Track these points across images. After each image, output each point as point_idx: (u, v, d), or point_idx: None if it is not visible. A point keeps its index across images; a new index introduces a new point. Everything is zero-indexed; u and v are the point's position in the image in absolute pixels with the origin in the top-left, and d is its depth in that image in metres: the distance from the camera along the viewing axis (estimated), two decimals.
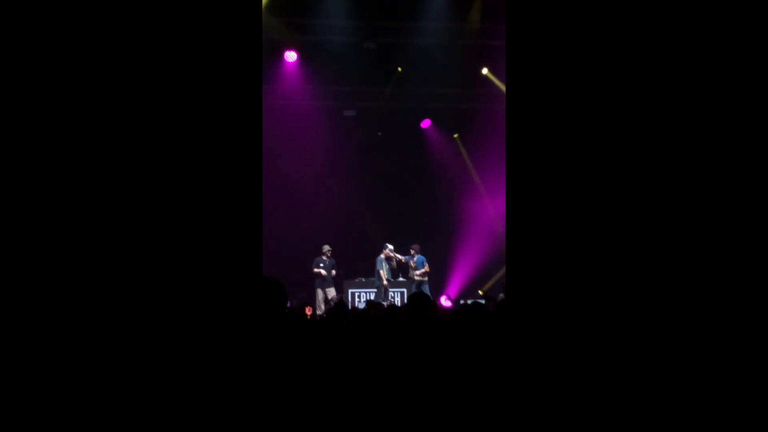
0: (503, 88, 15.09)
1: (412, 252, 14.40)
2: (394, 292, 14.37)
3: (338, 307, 6.08)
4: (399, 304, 12.43)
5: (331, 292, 13.59)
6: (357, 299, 14.38)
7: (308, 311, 10.58)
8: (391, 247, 14.21)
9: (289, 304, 11.38)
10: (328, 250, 13.88)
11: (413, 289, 13.79)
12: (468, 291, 15.47)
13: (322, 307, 13.07)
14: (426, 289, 14.03)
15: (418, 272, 14.18)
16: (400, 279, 14.74)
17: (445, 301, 14.20)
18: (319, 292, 13.56)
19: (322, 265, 13.76)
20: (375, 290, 14.21)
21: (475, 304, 6.42)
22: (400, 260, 14.27)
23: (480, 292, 14.54)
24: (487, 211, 16.03)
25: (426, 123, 16.61)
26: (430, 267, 14.36)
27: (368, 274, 14.89)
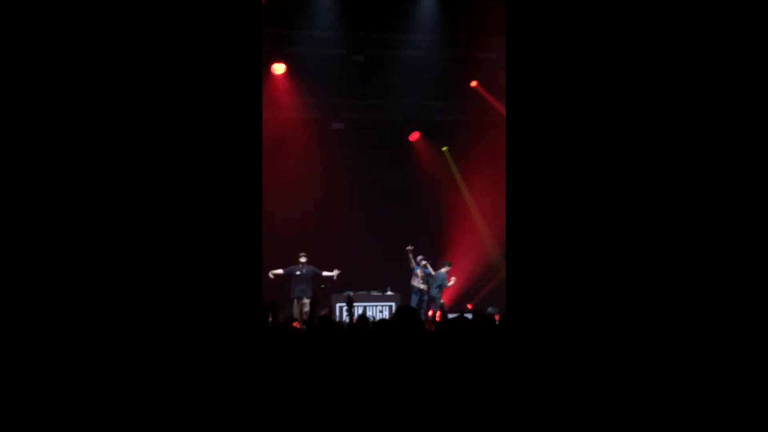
0: (493, 101, 15.12)
1: (423, 263, 14.60)
2: (382, 306, 14.30)
3: (324, 321, 5.93)
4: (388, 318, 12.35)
5: (306, 305, 13.20)
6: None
7: (296, 325, 10.40)
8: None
9: (270, 319, 11.19)
10: (302, 256, 13.66)
11: (414, 298, 13.93)
12: (455, 305, 15.39)
13: (303, 319, 12.78)
14: (426, 300, 14.30)
15: (423, 285, 14.49)
16: (389, 293, 14.72)
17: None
18: (295, 303, 13.24)
19: (298, 273, 13.47)
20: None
21: (461, 317, 6.30)
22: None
23: (468, 306, 14.47)
24: (476, 224, 16.00)
25: (415, 136, 16.57)
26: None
27: (354, 287, 14.80)
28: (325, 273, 13.74)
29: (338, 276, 13.72)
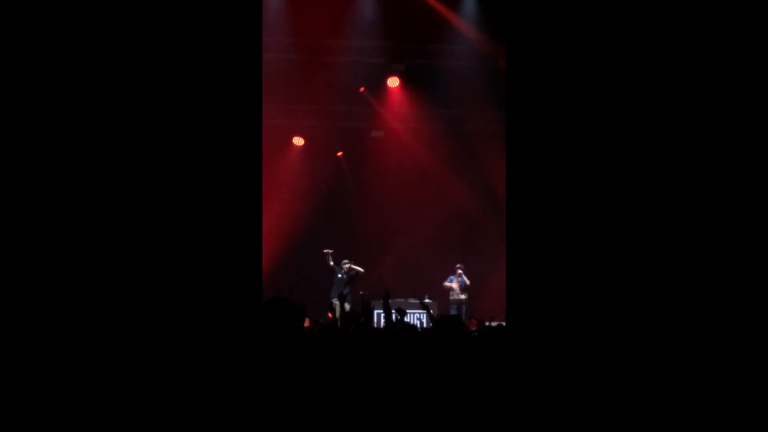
0: None
1: (459, 272, 14.51)
2: (420, 314, 14.32)
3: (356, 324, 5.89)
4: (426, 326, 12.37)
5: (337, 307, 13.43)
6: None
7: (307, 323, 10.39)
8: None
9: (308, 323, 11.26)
10: (345, 263, 13.98)
11: (452, 310, 13.86)
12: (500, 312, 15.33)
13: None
14: (464, 310, 14.17)
15: (462, 295, 14.41)
16: (427, 301, 14.76)
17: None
18: (336, 303, 13.50)
19: (339, 276, 13.90)
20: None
21: (500, 326, 6.35)
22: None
23: None
24: None
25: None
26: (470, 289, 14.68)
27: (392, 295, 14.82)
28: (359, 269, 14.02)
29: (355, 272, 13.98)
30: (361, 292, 14.83)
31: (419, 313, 14.21)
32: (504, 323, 8.95)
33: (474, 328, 8.56)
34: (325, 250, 14.01)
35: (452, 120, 16.01)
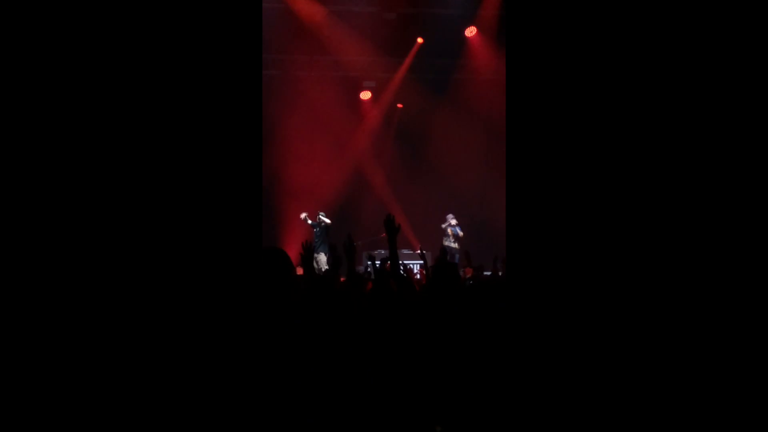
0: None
1: (454, 222, 14.60)
2: (413, 264, 14.40)
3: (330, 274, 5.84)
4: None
5: (319, 260, 13.64)
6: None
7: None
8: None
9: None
10: (321, 215, 14.10)
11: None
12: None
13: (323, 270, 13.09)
14: (457, 260, 14.24)
15: (455, 244, 14.45)
16: (419, 252, 14.81)
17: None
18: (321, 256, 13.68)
19: (316, 230, 14.02)
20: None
21: (496, 275, 6.38)
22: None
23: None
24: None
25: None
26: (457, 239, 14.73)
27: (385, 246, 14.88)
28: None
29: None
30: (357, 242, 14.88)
31: (413, 264, 14.29)
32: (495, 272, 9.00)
33: (468, 276, 8.57)
34: (301, 215, 14.11)
35: (441, 69, 15.91)
